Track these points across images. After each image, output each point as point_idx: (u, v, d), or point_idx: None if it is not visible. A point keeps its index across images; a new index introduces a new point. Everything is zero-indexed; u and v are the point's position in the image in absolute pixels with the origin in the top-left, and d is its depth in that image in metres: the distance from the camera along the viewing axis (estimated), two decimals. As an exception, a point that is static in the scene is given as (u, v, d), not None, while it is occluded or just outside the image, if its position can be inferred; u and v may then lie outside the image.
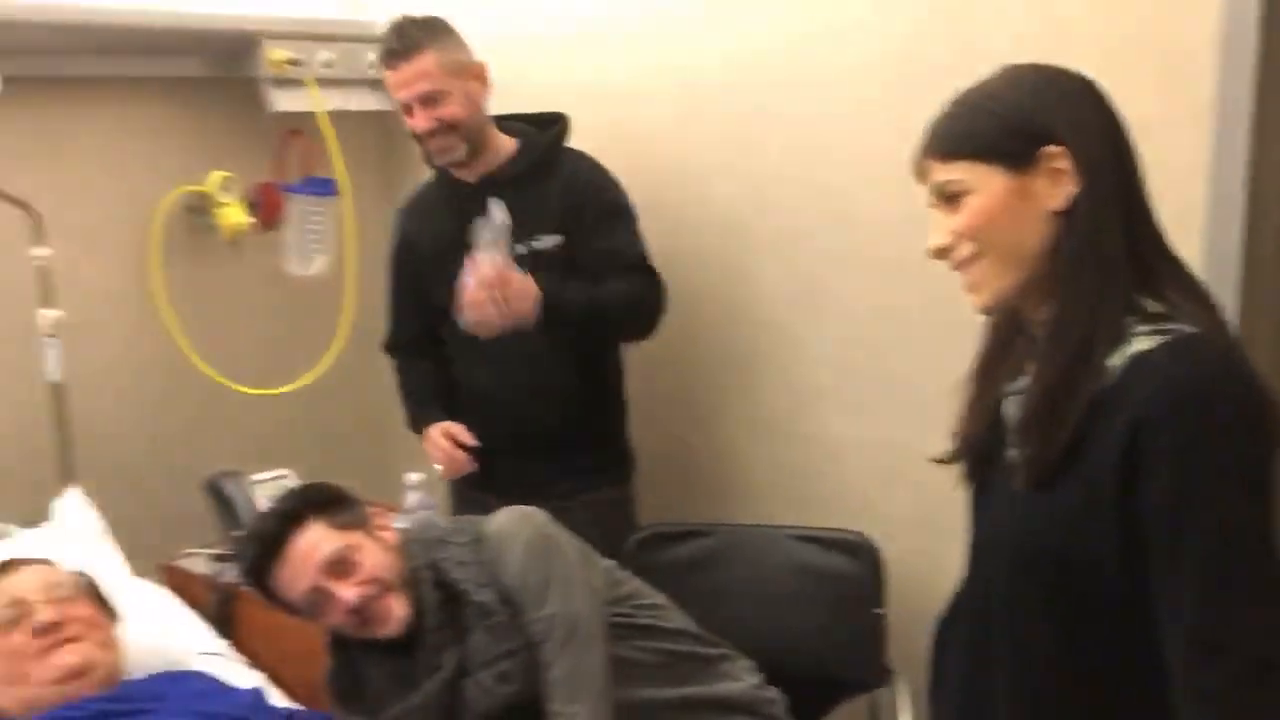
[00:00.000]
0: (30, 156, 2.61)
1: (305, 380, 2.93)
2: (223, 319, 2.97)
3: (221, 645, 2.31)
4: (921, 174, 1.31)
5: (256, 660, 2.31)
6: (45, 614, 1.88)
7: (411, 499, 2.33)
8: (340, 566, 1.75)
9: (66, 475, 2.58)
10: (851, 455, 2.61)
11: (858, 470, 2.61)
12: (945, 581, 1.49)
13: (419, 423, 2.52)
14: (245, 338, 3.01)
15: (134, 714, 1.84)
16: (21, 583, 1.93)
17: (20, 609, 1.88)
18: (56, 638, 1.87)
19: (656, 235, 2.49)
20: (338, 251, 3.02)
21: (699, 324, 2.80)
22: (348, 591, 1.75)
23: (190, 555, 2.58)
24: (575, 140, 2.49)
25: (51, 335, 2.53)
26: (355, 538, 1.78)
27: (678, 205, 2.72)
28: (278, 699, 2.17)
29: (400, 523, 2.04)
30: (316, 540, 1.75)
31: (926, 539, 2.45)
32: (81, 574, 2.05)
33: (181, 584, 2.50)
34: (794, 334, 2.65)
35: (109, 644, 1.95)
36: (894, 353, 2.48)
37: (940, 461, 1.41)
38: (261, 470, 2.61)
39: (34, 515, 2.43)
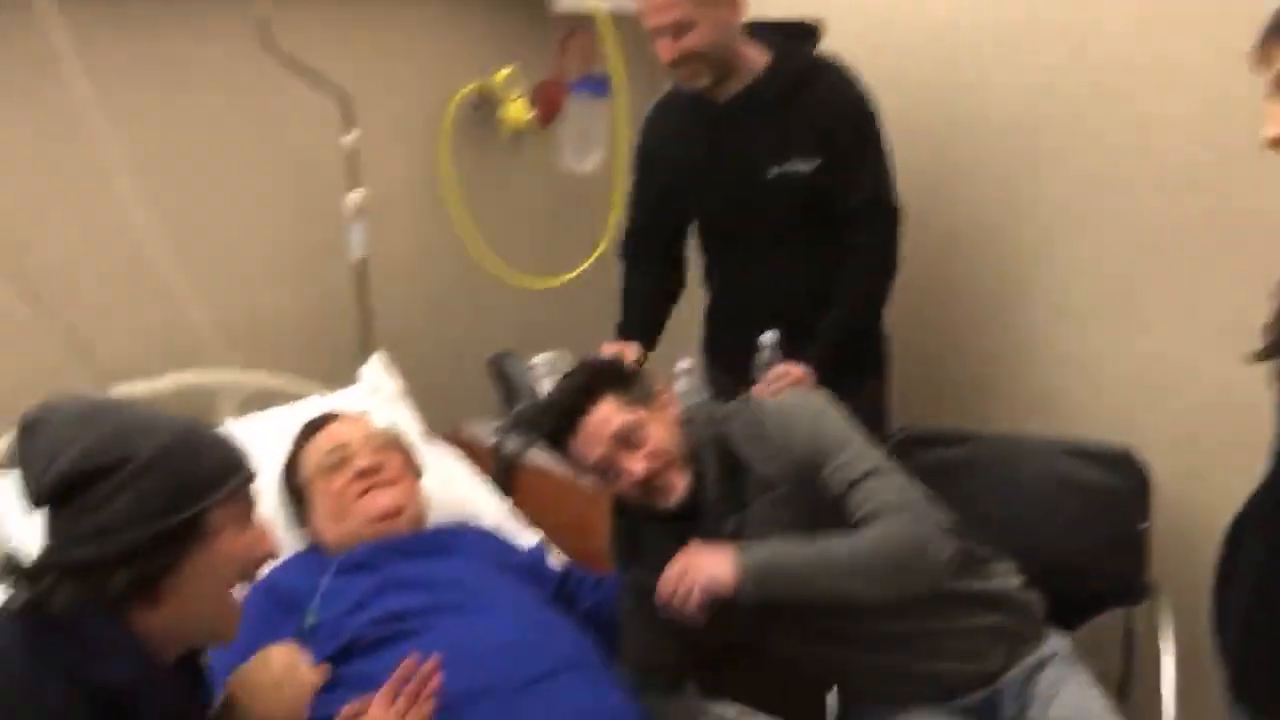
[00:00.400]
0: (346, 44, 2.81)
1: (575, 272, 3.07)
2: (501, 211, 3.14)
3: (504, 507, 2.50)
4: (1265, 60, 1.27)
5: (535, 523, 2.50)
6: (364, 459, 2.09)
7: (682, 384, 2.44)
8: (628, 440, 1.87)
9: (366, 346, 2.82)
10: (1115, 371, 2.57)
11: (1121, 387, 2.56)
12: (1210, 499, 1.47)
13: (619, 335, 2.57)
14: (520, 230, 3.18)
15: (435, 552, 2.04)
16: (343, 431, 2.15)
17: (343, 454, 2.10)
18: (374, 480, 2.08)
19: (915, 146, 2.47)
20: (609, 149, 3.13)
21: (961, 239, 2.79)
22: (635, 464, 1.87)
23: (475, 426, 2.79)
24: (832, 41, 2.46)
25: (356, 214, 2.75)
26: (642, 414, 1.89)
27: (942, 115, 2.69)
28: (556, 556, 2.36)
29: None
30: (608, 415, 1.87)
31: (1192, 457, 2.40)
32: (391, 427, 2.25)
33: (468, 451, 2.71)
34: (1058, 250, 2.61)
35: (414, 491, 2.15)
36: (1166, 267, 2.41)
37: (1256, 359, 1.39)
38: (537, 353, 2.78)
39: (340, 380, 2.68)
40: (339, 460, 2.10)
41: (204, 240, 2.69)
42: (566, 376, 1.96)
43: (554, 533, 2.47)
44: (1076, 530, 2.31)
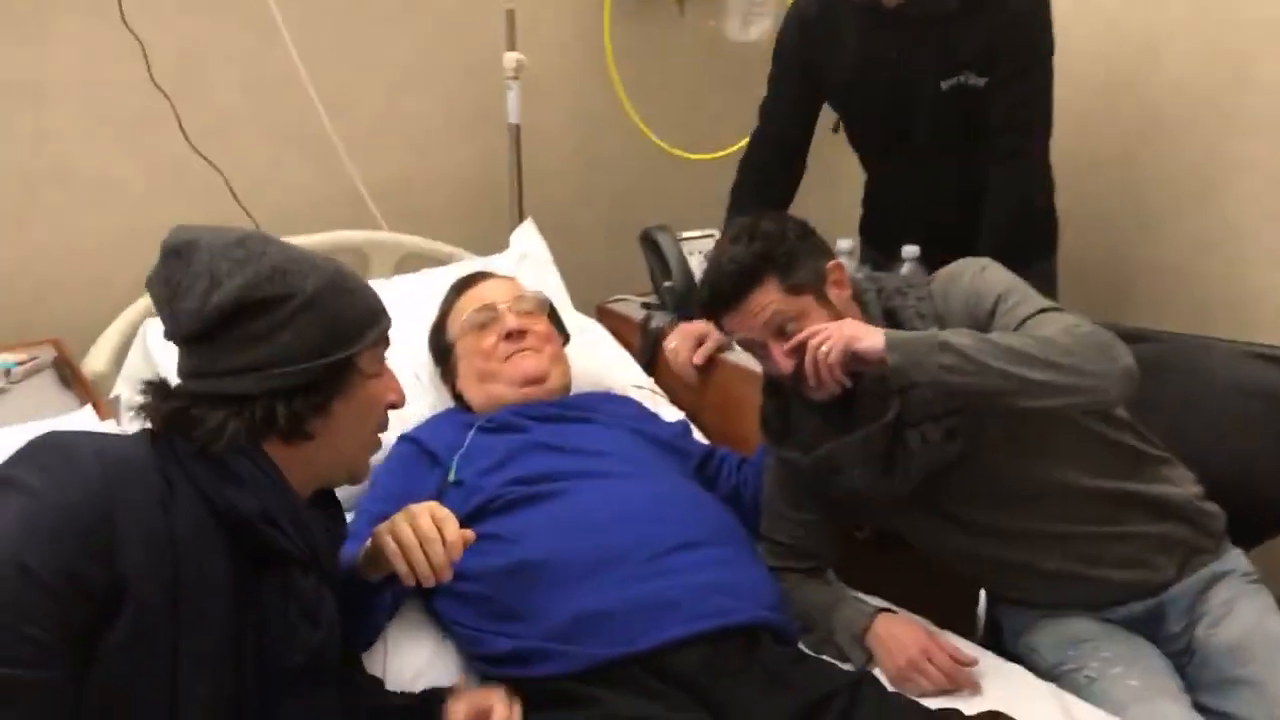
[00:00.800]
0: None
1: (735, 147, 2.94)
2: (662, 80, 3.04)
3: (648, 382, 2.45)
4: None
5: (677, 401, 2.44)
6: (512, 320, 2.05)
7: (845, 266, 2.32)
8: (782, 330, 1.76)
9: (519, 213, 2.78)
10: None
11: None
12: None
13: None
14: (681, 100, 3.07)
15: (577, 420, 2.00)
16: (493, 290, 2.11)
17: (491, 313, 2.06)
18: (521, 344, 2.04)
19: (1104, 43, 2.27)
20: (775, 18, 2.97)
21: (1164, 111, 2.57)
22: (786, 363, 1.77)
23: (622, 300, 2.73)
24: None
25: (513, 77, 2.68)
26: (803, 303, 1.76)
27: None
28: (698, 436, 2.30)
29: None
30: (766, 302, 1.75)
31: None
32: (540, 293, 2.21)
33: (614, 324, 2.66)
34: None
35: (560, 358, 2.11)
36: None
37: None
38: (690, 229, 2.68)
39: (491, 246, 2.64)
40: (487, 320, 2.07)
41: (363, 100, 2.68)
42: (733, 242, 1.81)
43: (697, 413, 2.40)
44: (1265, 442, 2.11)
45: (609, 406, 2.10)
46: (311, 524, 1.33)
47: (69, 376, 2.12)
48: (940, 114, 2.26)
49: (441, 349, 2.13)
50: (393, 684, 1.67)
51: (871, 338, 1.65)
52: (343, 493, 1.78)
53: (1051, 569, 1.80)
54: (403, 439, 1.98)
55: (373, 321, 1.37)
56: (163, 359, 2.09)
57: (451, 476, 1.86)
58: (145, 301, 2.32)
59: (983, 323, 1.74)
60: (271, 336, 1.27)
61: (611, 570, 1.67)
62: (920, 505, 1.81)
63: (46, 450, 1.18)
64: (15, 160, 2.36)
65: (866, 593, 1.95)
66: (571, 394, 2.14)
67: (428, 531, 1.40)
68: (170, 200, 2.47)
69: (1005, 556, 1.82)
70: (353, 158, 2.62)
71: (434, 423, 2.04)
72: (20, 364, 2.16)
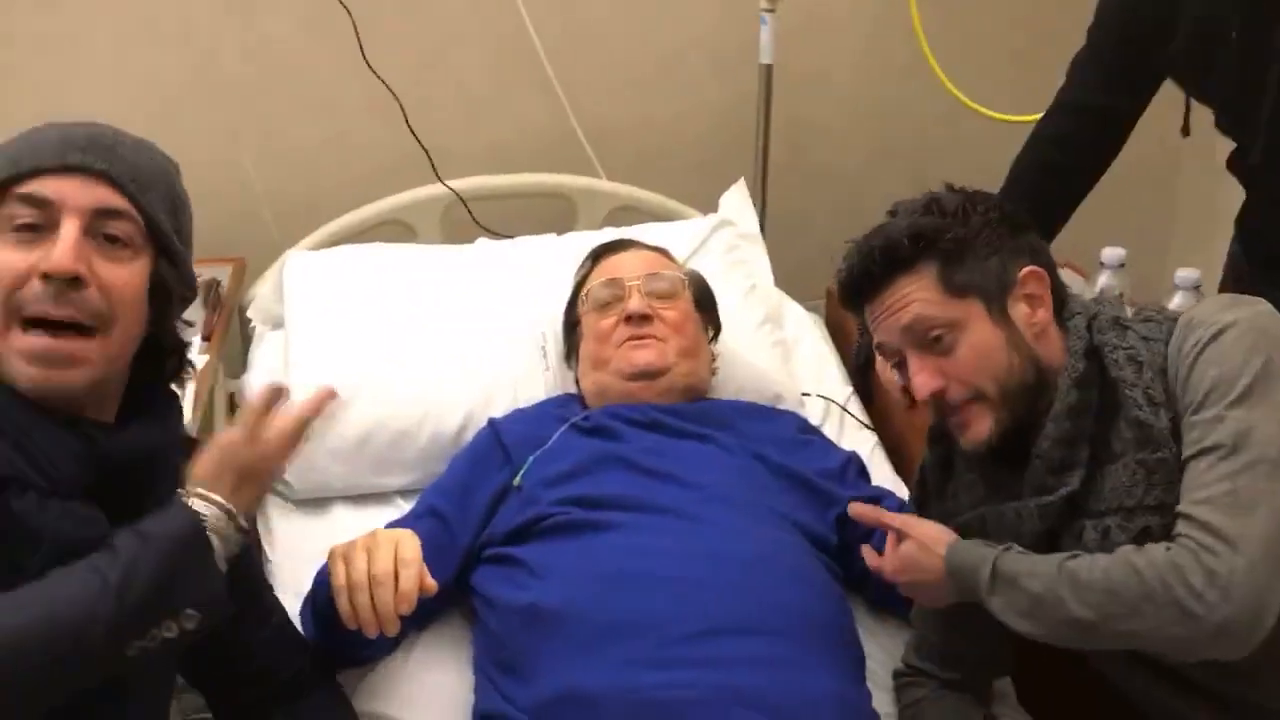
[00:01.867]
0: None
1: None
2: (969, 26, 2.48)
3: (844, 393, 1.99)
4: None
5: (884, 421, 1.97)
6: (636, 303, 1.70)
7: (1177, 300, 1.74)
8: (924, 340, 1.29)
9: (762, 169, 2.38)
10: None
11: None
12: None
13: None
14: (990, 50, 2.51)
15: (687, 435, 1.61)
16: (626, 264, 1.77)
17: (616, 290, 1.72)
18: (641, 330, 1.69)
19: None
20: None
21: None
22: (924, 376, 1.29)
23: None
24: None
25: (769, 9, 2.26)
26: (965, 310, 1.27)
27: None
28: (882, 469, 1.82)
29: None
30: (912, 296, 1.28)
31: None
32: (691, 273, 1.82)
33: (838, 316, 2.20)
34: None
35: (693, 353, 1.72)
36: None
37: None
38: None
39: (711, 204, 2.28)
40: (611, 297, 1.73)
41: (587, 29, 2.39)
42: (890, 214, 1.36)
43: (905, 437, 1.93)
44: None
45: (749, 423, 1.69)
46: (40, 437, 1.06)
47: (215, 299, 2.03)
48: None
49: (568, 324, 1.82)
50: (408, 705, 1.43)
51: (926, 572, 1.31)
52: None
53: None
54: (488, 425, 1.70)
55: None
56: (292, 290, 1.94)
57: (517, 480, 1.56)
58: (325, 230, 2.19)
59: (1181, 416, 1.20)
60: None
61: (626, 641, 1.30)
62: None
63: None
64: (231, 71, 2.30)
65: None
66: (708, 398, 1.75)
67: (381, 573, 1.22)
68: (368, 122, 2.31)
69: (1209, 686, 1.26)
70: (577, 96, 2.34)
71: (531, 410, 1.75)
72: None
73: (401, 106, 2.21)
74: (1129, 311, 1.35)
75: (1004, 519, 1.30)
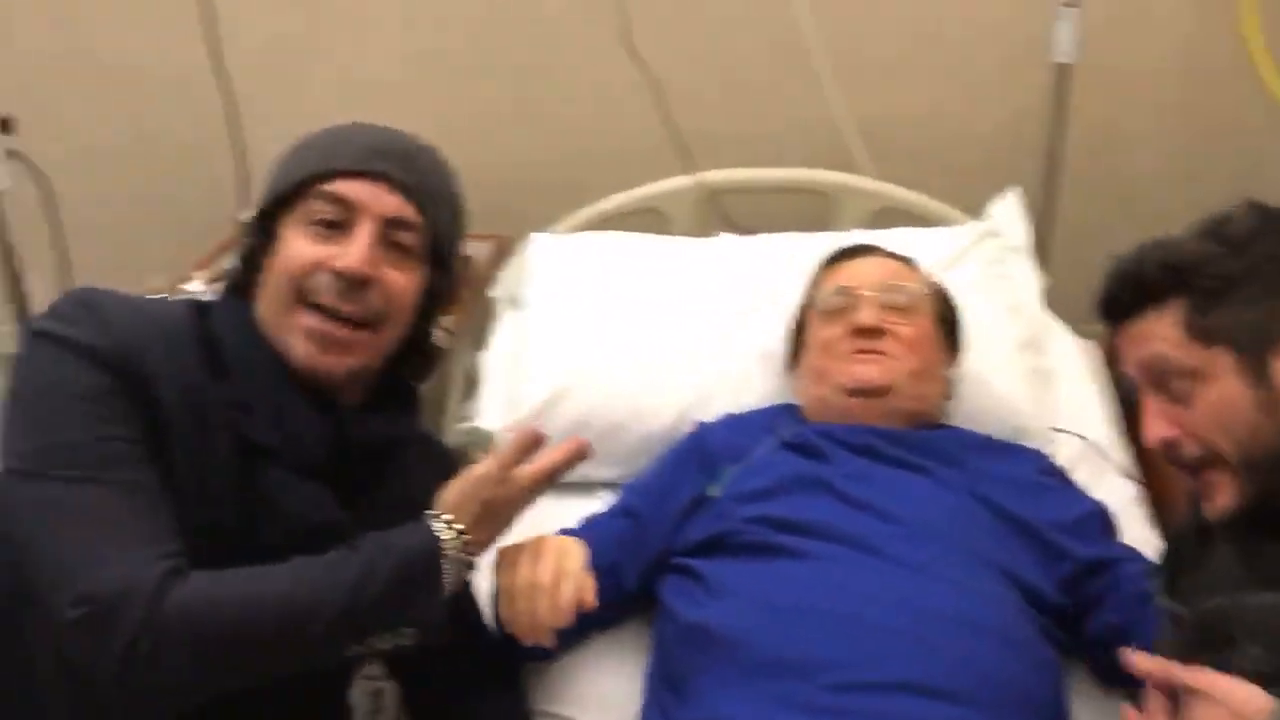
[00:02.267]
0: None
1: None
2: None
3: (1106, 434, 1.77)
4: None
5: (1152, 468, 1.73)
6: (867, 315, 1.57)
7: None
8: (1161, 383, 1.11)
9: (1053, 177, 2.17)
10: None
11: None
12: None
13: None
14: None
15: (899, 465, 1.47)
16: (860, 271, 1.64)
17: (847, 299, 1.60)
18: (869, 344, 1.56)
19: None
20: None
21: None
22: (1153, 425, 1.11)
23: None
24: None
25: (1069, 3, 2.05)
26: (1211, 359, 1.08)
27: None
28: (1137, 526, 1.60)
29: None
30: (1156, 334, 1.11)
31: None
32: (936, 287, 1.67)
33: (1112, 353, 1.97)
34: None
35: (926, 375, 1.57)
36: None
37: None
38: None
39: (976, 209, 2.10)
40: (841, 306, 1.61)
41: (865, 15, 2.25)
42: (1163, 241, 1.16)
43: (1172, 491, 1.69)
44: None
45: (980, 459, 1.52)
46: (301, 417, 1.14)
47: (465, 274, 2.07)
48: None
49: (793, 330, 1.71)
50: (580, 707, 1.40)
51: None
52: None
53: None
54: (696, 428, 1.63)
55: (299, 175, 1.15)
56: (533, 272, 1.95)
57: (714, 490, 1.48)
58: (583, 214, 2.19)
59: None
60: None
61: (785, 679, 1.21)
62: None
63: (72, 303, 1.09)
64: (512, 60, 2.34)
65: None
66: (937, 428, 1.60)
67: (542, 580, 1.18)
68: (629, 108, 2.29)
69: None
70: (842, 87, 2.22)
71: (741, 418, 1.66)
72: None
73: (662, 93, 2.17)
74: None
75: (1252, 613, 1.08)
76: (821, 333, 1.62)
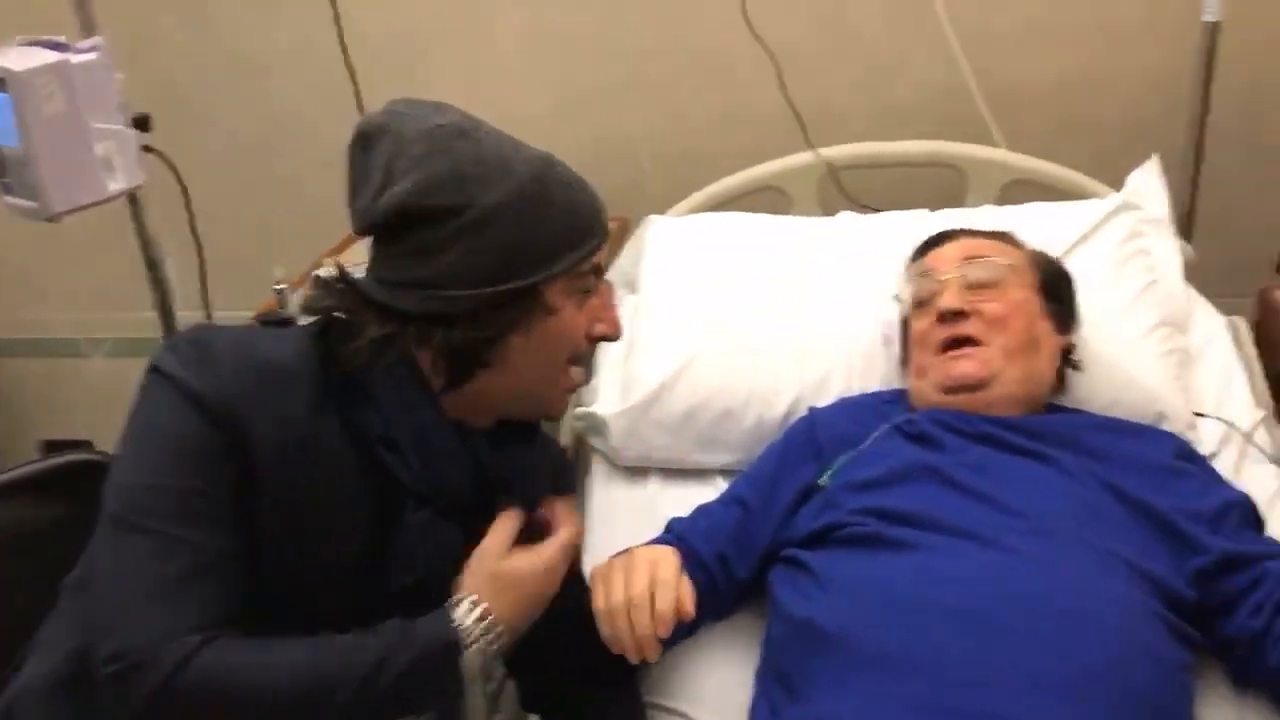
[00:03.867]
0: None
1: None
2: None
3: (1253, 417, 1.66)
4: None
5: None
6: (947, 298, 1.49)
7: None
8: None
9: (1198, 143, 2.04)
10: None
11: None
12: None
13: None
14: None
15: (1020, 453, 1.41)
16: (942, 255, 1.56)
17: (931, 285, 1.53)
18: (955, 329, 1.48)
19: None
20: None
21: None
22: None
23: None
24: None
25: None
26: None
27: None
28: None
29: None
30: None
31: None
32: (1036, 259, 1.58)
33: (1272, 324, 1.85)
34: None
35: (1024, 353, 1.48)
36: None
37: None
38: None
39: (1118, 180, 1.99)
40: (926, 295, 1.54)
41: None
42: None
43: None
44: None
45: (1107, 442, 1.44)
46: (444, 454, 1.14)
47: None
48: None
49: (903, 325, 1.65)
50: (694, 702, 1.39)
51: None
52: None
53: None
54: (808, 414, 1.60)
55: (571, 245, 1.12)
56: (648, 254, 1.93)
57: (824, 479, 1.45)
58: (702, 194, 2.16)
59: None
60: (435, 254, 1.08)
61: (896, 676, 1.18)
62: None
63: (188, 344, 1.11)
64: (631, 38, 2.32)
65: None
66: (1066, 408, 1.53)
67: (638, 595, 1.19)
68: (749, 86, 2.24)
69: None
70: (972, 54, 2.12)
71: (853, 404, 1.61)
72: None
73: (778, 68, 2.12)
74: None
75: None
76: (916, 326, 1.56)
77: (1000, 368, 1.47)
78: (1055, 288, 1.57)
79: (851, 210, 2.02)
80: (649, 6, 2.30)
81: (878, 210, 2.00)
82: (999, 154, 2.12)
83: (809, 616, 1.28)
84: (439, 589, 1.13)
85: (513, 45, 2.35)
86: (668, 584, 1.17)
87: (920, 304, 1.56)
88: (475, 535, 1.16)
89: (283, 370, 1.10)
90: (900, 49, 2.25)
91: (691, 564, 1.35)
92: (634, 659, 1.19)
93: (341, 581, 1.11)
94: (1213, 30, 1.98)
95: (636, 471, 1.73)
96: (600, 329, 1.18)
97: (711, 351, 1.73)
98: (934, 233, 1.66)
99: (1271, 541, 1.40)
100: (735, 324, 1.77)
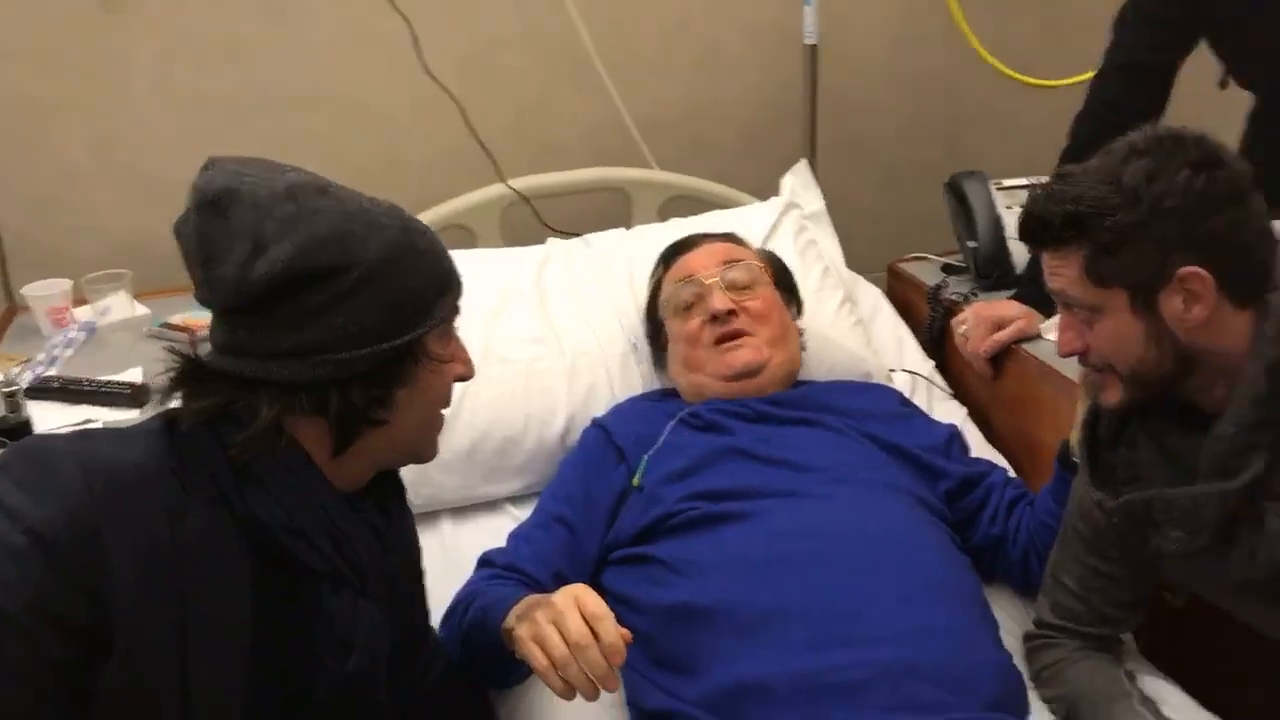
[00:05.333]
0: None
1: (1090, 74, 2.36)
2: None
3: (926, 367, 2.01)
4: None
5: (964, 392, 2.00)
6: (718, 301, 1.69)
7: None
8: (1073, 311, 1.30)
9: (811, 150, 2.39)
10: None
11: None
12: None
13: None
14: (1026, 16, 2.52)
15: (796, 422, 1.63)
16: (696, 260, 1.76)
17: (695, 290, 1.72)
18: (728, 327, 1.68)
19: None
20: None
21: None
22: (1065, 338, 1.31)
23: (920, 259, 2.28)
24: None
25: (811, -10, 2.28)
26: (1106, 298, 1.24)
27: None
28: (975, 440, 1.85)
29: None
30: (1059, 272, 1.28)
31: None
32: (767, 254, 1.83)
33: (903, 290, 2.23)
34: None
35: (783, 339, 1.72)
36: None
37: None
38: (1017, 174, 2.19)
39: (767, 188, 2.28)
40: (692, 298, 1.73)
41: (635, 19, 2.38)
42: (1064, 178, 1.27)
43: (987, 409, 1.96)
44: None
45: (851, 402, 1.70)
46: (351, 532, 1.10)
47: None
48: None
49: (651, 329, 1.83)
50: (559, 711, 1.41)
51: None
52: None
53: None
54: (594, 425, 1.71)
55: (442, 290, 1.13)
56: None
57: (636, 480, 1.57)
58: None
59: None
60: (323, 316, 1.04)
61: (784, 628, 1.32)
62: (1261, 592, 1.30)
63: (23, 461, 0.99)
64: (274, 84, 2.28)
65: (1164, 666, 1.50)
66: (808, 381, 1.77)
67: (579, 636, 1.11)
68: (420, 130, 2.31)
69: None
70: (620, 85, 2.34)
71: (632, 407, 1.75)
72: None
73: (462, 109, 2.20)
74: None
75: (1174, 504, 1.27)
76: (683, 327, 1.73)
77: (769, 354, 1.68)
78: (785, 279, 1.81)
79: (553, 237, 2.15)
80: (303, 58, 2.28)
81: (577, 234, 2.14)
82: (655, 174, 2.35)
83: (682, 599, 1.39)
84: (376, 673, 1.11)
85: (156, 106, 2.22)
86: (605, 616, 1.11)
87: (687, 308, 1.72)
88: (391, 610, 1.13)
89: (140, 472, 1.01)
90: (551, 83, 2.39)
91: (533, 590, 1.37)
92: (594, 699, 1.13)
93: (229, 709, 1.02)
94: (813, 52, 2.34)
95: (427, 516, 1.73)
96: (460, 370, 1.19)
97: (482, 383, 1.77)
98: (671, 242, 1.84)
99: (982, 460, 1.73)
100: (495, 353, 1.82)
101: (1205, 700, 1.43)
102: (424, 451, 1.21)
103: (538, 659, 1.13)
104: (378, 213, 1.09)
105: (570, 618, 1.12)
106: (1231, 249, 1.22)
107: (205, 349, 1.09)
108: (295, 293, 1.03)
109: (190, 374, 1.07)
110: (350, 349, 1.05)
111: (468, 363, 1.20)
